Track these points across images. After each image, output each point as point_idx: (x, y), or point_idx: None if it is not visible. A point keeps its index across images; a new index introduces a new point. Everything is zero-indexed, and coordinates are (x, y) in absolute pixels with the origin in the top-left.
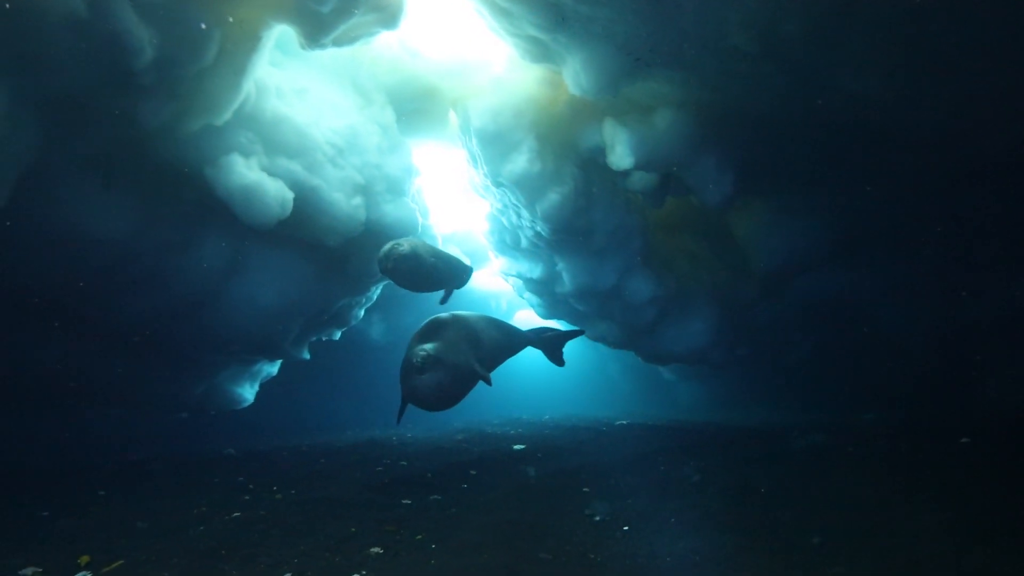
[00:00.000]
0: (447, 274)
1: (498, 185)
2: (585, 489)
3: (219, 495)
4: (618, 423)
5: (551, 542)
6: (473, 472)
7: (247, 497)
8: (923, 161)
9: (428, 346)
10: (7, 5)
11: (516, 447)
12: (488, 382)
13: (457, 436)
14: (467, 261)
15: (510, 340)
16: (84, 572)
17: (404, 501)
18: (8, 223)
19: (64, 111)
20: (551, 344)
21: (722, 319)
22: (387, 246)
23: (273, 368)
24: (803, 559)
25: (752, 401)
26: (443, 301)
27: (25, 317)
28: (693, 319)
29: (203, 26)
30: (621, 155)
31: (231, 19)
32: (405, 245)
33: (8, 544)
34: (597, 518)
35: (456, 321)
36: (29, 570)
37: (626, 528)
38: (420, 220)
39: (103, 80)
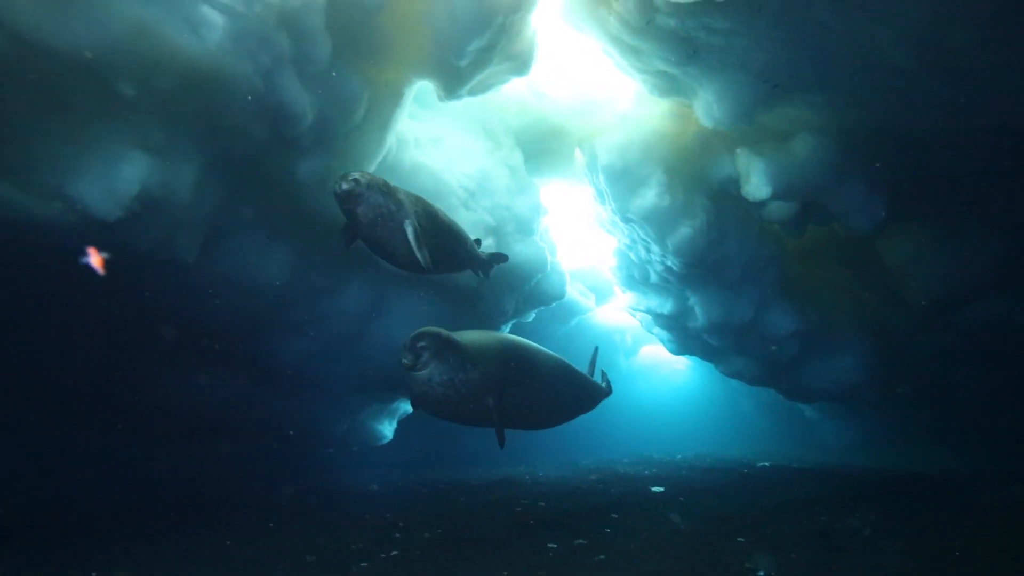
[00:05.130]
0: (448, 246)
1: (626, 220)
2: (740, 539)
3: (373, 531)
4: (760, 465)
5: None
6: (615, 515)
7: (398, 535)
8: None
9: (442, 335)
10: (255, 100)
11: (655, 489)
12: (500, 429)
13: (590, 476)
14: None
15: (578, 397)
16: None
17: (550, 545)
18: (194, 277)
19: (238, 173)
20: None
21: (875, 353)
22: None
23: (409, 406)
24: None
25: (911, 443)
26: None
27: (194, 358)
28: (841, 353)
29: (357, 89)
30: (757, 185)
31: (379, 82)
32: (358, 178)
33: (211, 572)
34: (761, 574)
35: (507, 338)
36: None
37: None
38: (549, 258)
39: (271, 143)
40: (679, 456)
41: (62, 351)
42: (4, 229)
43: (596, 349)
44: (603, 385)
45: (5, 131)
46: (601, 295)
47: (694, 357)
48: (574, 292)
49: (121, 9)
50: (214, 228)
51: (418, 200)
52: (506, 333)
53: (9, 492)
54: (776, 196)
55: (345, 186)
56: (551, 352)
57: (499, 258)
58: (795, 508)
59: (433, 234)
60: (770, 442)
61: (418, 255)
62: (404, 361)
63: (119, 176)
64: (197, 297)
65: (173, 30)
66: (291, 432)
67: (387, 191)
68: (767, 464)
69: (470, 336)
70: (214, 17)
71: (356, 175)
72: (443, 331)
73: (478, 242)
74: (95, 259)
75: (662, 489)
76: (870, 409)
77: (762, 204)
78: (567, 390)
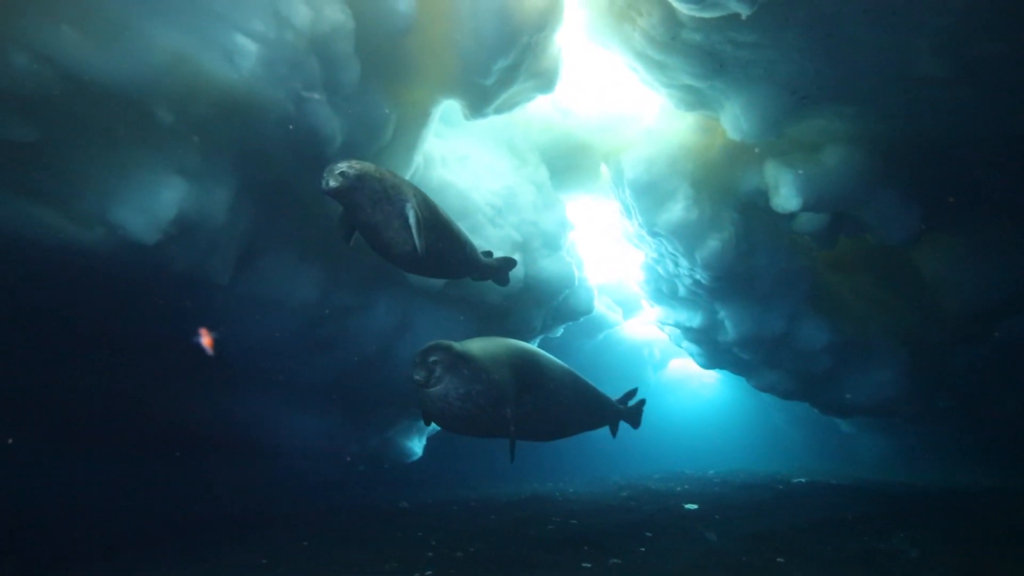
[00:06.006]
0: (445, 243)
1: (654, 235)
2: (780, 559)
3: (405, 550)
4: (796, 481)
5: None
6: (648, 534)
7: (431, 554)
8: None
9: (454, 347)
10: (291, 126)
11: (688, 506)
12: (512, 440)
13: (621, 493)
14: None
15: (589, 407)
16: None
17: (584, 564)
18: (227, 297)
19: (269, 195)
20: (632, 414)
21: (913, 366)
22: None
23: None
24: None
25: (952, 459)
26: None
27: (225, 378)
28: (878, 367)
29: (385, 111)
30: (787, 197)
31: (406, 102)
32: (345, 171)
33: None
34: None
35: (514, 344)
36: None
37: None
38: (576, 273)
39: (301, 166)
40: (711, 471)
41: (97, 372)
42: (51, 255)
43: (640, 398)
44: (620, 406)
45: (54, 161)
46: (628, 309)
47: (724, 371)
48: (601, 306)
49: (160, 41)
50: (247, 249)
51: (417, 190)
52: (509, 339)
53: (42, 515)
54: (806, 208)
55: (333, 183)
56: (554, 358)
57: (508, 263)
58: (835, 527)
59: (430, 227)
60: (804, 457)
61: (416, 239)
62: (417, 378)
63: (157, 201)
64: (229, 317)
65: (209, 59)
66: (348, 459)
67: (381, 176)
68: (803, 480)
69: (479, 345)
70: (247, 45)
71: (343, 167)
72: (453, 343)
73: (488, 254)
74: (206, 340)
75: (696, 506)
76: (909, 423)
77: (792, 216)
78: (576, 397)
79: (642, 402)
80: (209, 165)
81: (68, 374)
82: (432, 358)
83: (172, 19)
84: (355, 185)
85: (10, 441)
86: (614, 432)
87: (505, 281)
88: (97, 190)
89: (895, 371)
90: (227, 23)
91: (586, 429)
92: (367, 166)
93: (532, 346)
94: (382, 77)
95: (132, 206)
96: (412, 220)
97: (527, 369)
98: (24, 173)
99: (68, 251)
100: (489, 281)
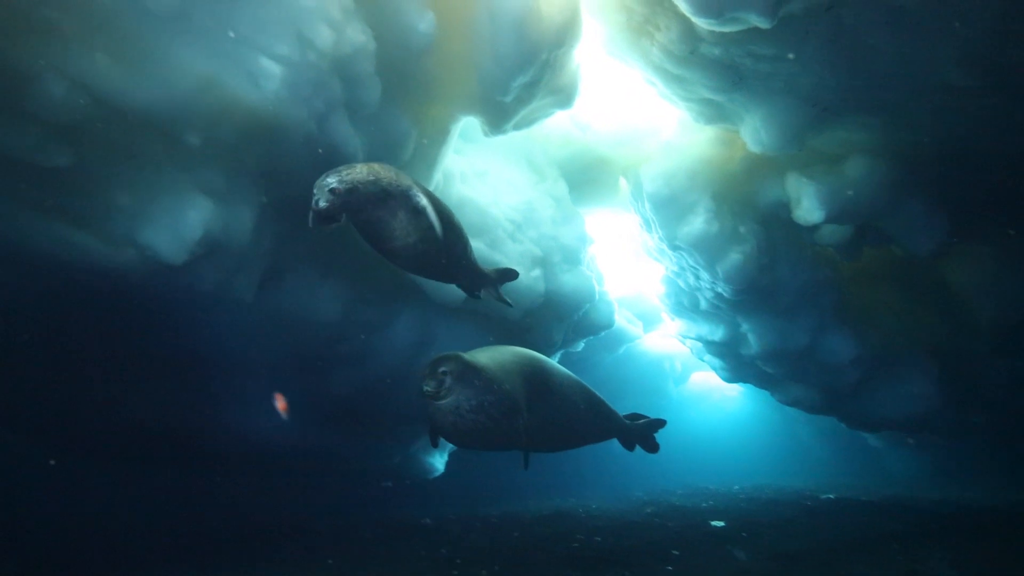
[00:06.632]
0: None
1: (674, 248)
2: None
3: (430, 568)
4: (824, 497)
5: None
6: (675, 552)
7: (456, 572)
8: None
9: (464, 357)
10: (320, 151)
11: (715, 523)
12: (525, 451)
13: (645, 509)
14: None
15: (595, 417)
16: None
17: None
18: (251, 315)
19: (293, 214)
20: (643, 432)
21: (945, 380)
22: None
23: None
24: None
25: (988, 475)
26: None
27: (249, 395)
28: (909, 380)
29: (406, 128)
30: (809, 209)
31: (426, 120)
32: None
33: None
34: None
35: (520, 350)
36: None
37: None
38: (596, 287)
39: None
40: (736, 487)
41: (125, 389)
42: (84, 276)
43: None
44: (627, 421)
45: (87, 185)
46: (648, 322)
47: (749, 385)
48: (621, 320)
49: (189, 66)
50: (271, 267)
51: (416, 181)
52: (515, 347)
53: (68, 528)
54: (830, 220)
55: (323, 203)
56: (558, 364)
57: (509, 275)
58: (869, 546)
59: (437, 213)
60: (832, 472)
61: (431, 219)
62: (426, 388)
63: (185, 222)
64: (253, 334)
65: (235, 82)
66: (385, 483)
67: (376, 178)
68: (831, 496)
69: (487, 354)
70: (272, 68)
71: (332, 182)
72: (463, 353)
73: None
74: (280, 403)
75: (723, 523)
76: (942, 438)
77: (815, 228)
78: (583, 404)
79: (656, 422)
80: (234, 185)
81: (97, 390)
82: (441, 368)
83: (201, 44)
84: (348, 200)
85: (52, 462)
86: (630, 447)
87: (499, 295)
88: (127, 212)
89: (925, 384)
90: (253, 47)
91: (592, 440)
92: (357, 174)
93: (537, 353)
94: (402, 95)
95: (161, 227)
96: (421, 202)
97: (536, 377)
98: (59, 197)
99: (100, 272)
100: (494, 299)
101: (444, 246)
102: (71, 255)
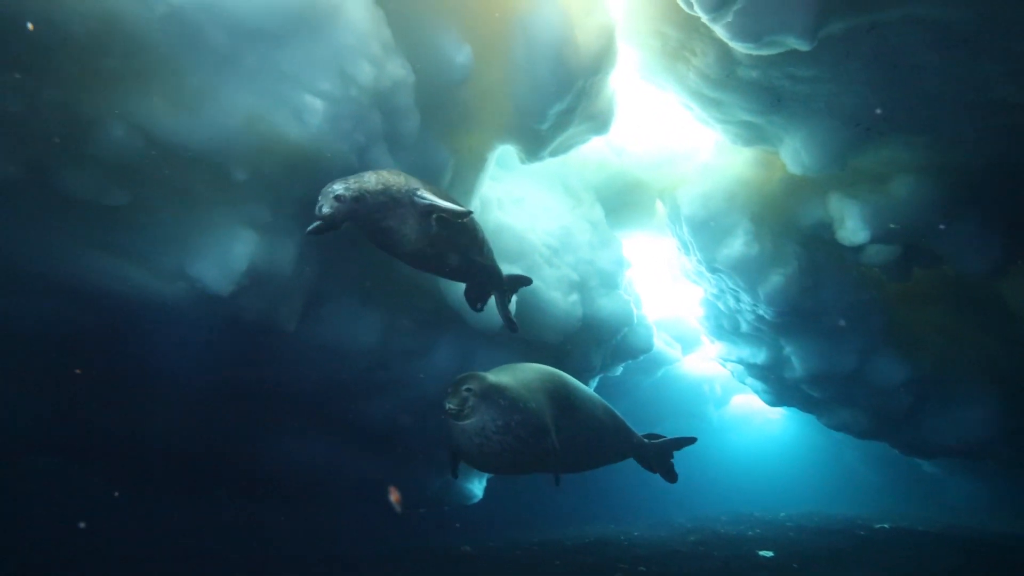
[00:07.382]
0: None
1: (713, 270)
2: None
3: None
4: (878, 526)
5: None
6: None
7: None
8: None
9: (488, 377)
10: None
11: (763, 553)
12: (557, 471)
13: (689, 537)
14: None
15: (616, 432)
16: None
17: None
18: (293, 344)
19: (333, 244)
20: (660, 451)
21: (1005, 405)
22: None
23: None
24: None
25: None
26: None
27: (289, 423)
28: (967, 405)
29: (443, 158)
30: (853, 230)
31: (463, 149)
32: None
33: None
34: None
35: (540, 367)
36: None
37: None
38: (635, 311)
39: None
40: (782, 514)
41: (170, 418)
42: (137, 309)
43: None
44: (645, 439)
45: (142, 220)
46: (687, 345)
47: (794, 408)
48: (660, 343)
49: (237, 104)
50: (312, 296)
51: (426, 183)
52: (535, 363)
53: (111, 554)
54: (875, 240)
55: (326, 209)
56: (577, 381)
57: (522, 281)
58: None
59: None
60: (884, 499)
61: (446, 206)
62: (450, 407)
63: (231, 254)
64: (295, 363)
65: (280, 118)
66: (419, 510)
67: (385, 187)
68: (886, 526)
69: (507, 373)
70: (315, 103)
71: (339, 189)
72: (487, 373)
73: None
74: (394, 496)
75: (771, 554)
76: (1002, 466)
77: (859, 248)
78: (605, 421)
79: (679, 441)
80: (278, 218)
81: (144, 420)
82: (465, 387)
83: (247, 83)
84: (354, 208)
85: (116, 494)
86: (650, 467)
87: (506, 309)
88: (178, 247)
89: (984, 410)
90: (297, 84)
91: (613, 459)
92: (366, 182)
93: (557, 369)
94: (440, 125)
95: (209, 260)
96: (431, 198)
97: (559, 393)
98: (115, 234)
99: (153, 306)
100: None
101: (455, 247)
102: (126, 289)
